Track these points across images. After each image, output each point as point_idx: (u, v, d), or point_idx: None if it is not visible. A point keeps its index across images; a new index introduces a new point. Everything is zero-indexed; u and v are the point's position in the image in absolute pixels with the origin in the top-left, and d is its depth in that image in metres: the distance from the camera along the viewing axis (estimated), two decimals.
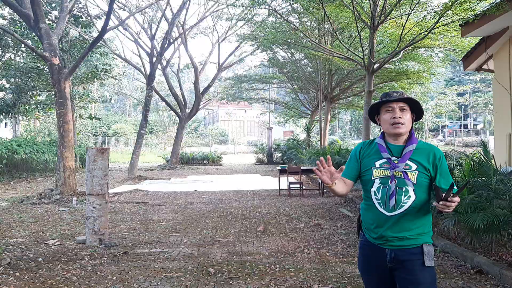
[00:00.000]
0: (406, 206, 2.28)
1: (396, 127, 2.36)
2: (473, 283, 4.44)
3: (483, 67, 10.21)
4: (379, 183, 2.35)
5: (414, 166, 2.32)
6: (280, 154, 26.71)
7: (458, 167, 7.16)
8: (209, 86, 25.32)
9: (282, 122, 36.92)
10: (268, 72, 30.91)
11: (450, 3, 9.23)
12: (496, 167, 5.91)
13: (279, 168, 12.45)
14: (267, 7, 14.05)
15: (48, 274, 4.85)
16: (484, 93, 47.08)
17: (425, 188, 2.33)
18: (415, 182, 2.30)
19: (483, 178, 5.59)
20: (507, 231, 5.11)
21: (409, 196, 2.29)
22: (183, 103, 23.76)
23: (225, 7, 21.45)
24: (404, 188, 2.29)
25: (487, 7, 7.87)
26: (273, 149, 27.51)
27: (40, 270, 4.98)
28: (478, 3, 9.45)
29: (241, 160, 30.21)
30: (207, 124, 68.02)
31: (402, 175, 2.30)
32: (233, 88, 29.14)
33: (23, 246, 6.07)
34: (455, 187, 2.13)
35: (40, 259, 5.38)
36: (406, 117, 2.38)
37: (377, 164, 2.38)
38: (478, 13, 8.31)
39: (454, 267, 4.95)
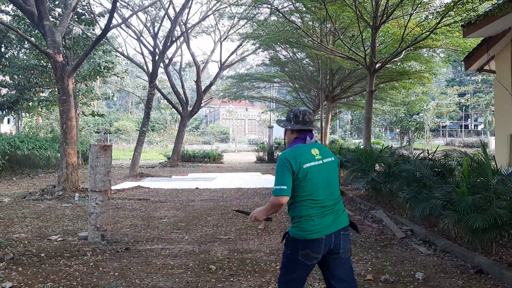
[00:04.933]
0: None
1: None
2: (473, 282, 4.47)
3: (484, 68, 10.23)
4: None
5: None
6: (281, 153, 26.73)
7: (458, 167, 7.20)
8: (210, 85, 25.34)
9: None
10: (269, 71, 30.95)
11: (452, 4, 9.27)
12: (497, 167, 5.95)
13: None
14: (269, 6, 14.09)
15: (50, 269, 4.90)
16: (486, 94, 47.00)
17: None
18: None
19: (483, 179, 5.62)
20: (508, 231, 5.14)
21: None
22: (185, 101, 23.78)
23: (227, 6, 21.47)
24: None
25: (490, 8, 7.90)
26: (274, 148, 27.53)
27: (42, 265, 5.02)
28: (480, 4, 9.47)
29: (242, 158, 30.24)
30: (208, 122, 68.05)
31: None
32: (235, 86, 29.17)
33: (26, 242, 6.11)
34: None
35: (42, 255, 5.42)
36: None
37: None
38: (480, 13, 8.33)
39: (454, 267, 4.99)
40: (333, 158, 3.00)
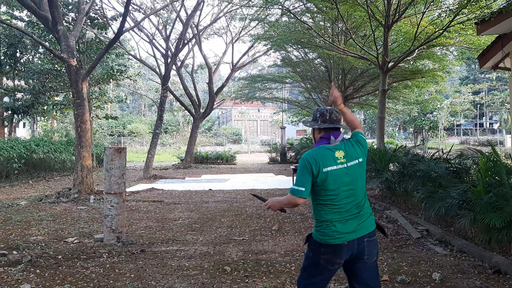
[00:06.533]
0: None
1: None
2: (491, 283, 4.42)
3: (499, 66, 10.05)
4: None
5: None
6: (293, 153, 26.68)
7: (474, 167, 7.11)
8: (222, 86, 25.42)
9: (295, 121, 36.85)
10: (281, 71, 30.88)
11: (465, 1, 9.16)
12: None
13: (292, 167, 12.47)
14: (280, 7, 14.07)
15: (67, 271, 4.95)
16: (500, 92, 46.36)
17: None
18: None
19: (497, 178, 5.55)
20: None
21: None
22: (197, 103, 23.89)
23: (238, 7, 21.51)
24: None
25: (504, 4, 7.77)
26: (286, 148, 27.49)
27: (60, 268, 5.08)
28: (494, 1, 9.35)
29: (255, 159, 30.24)
30: (221, 123, 68.19)
31: None
32: (247, 88, 29.16)
33: (43, 244, 6.19)
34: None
35: (59, 257, 5.48)
36: None
37: None
38: (494, 10, 8.21)
39: (471, 267, 4.93)
40: (360, 160, 2.83)
